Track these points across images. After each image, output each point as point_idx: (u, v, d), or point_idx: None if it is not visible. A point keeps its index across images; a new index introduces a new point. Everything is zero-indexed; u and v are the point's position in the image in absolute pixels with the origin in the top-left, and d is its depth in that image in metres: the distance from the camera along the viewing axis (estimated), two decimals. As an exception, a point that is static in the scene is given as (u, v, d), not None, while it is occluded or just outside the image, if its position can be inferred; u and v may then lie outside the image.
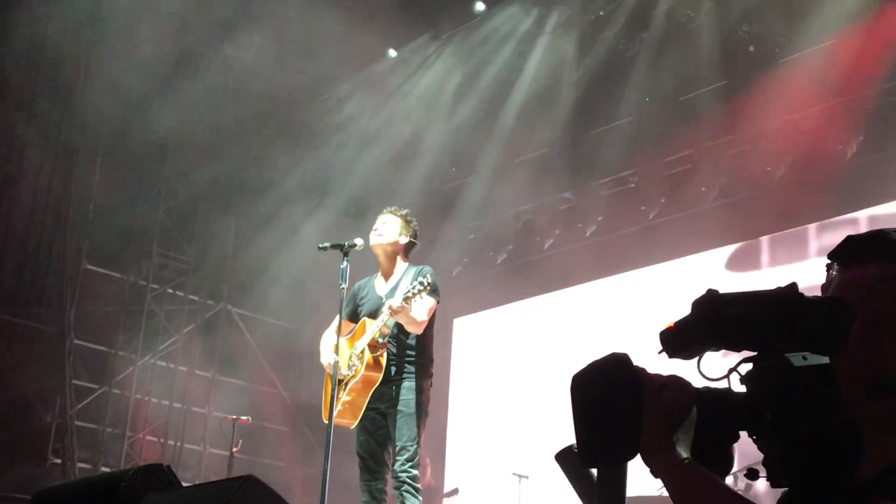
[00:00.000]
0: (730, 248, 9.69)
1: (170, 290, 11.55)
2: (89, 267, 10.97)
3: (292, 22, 10.45)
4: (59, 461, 10.38)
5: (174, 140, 10.97)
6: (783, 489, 1.77)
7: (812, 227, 9.12)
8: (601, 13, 10.05)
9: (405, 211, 6.43)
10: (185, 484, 4.40)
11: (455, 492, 10.33)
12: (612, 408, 1.61)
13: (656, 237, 10.04)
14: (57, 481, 8.58)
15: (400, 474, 6.06)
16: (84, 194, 10.80)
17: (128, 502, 4.09)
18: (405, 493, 6.03)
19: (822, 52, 8.74)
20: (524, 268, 11.12)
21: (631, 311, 9.80)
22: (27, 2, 10.30)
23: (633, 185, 10.34)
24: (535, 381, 10.28)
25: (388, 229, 6.31)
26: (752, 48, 9.40)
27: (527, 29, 10.47)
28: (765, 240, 9.47)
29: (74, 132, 10.73)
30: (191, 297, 11.50)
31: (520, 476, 9.02)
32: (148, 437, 11.02)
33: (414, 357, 6.17)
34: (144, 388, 11.04)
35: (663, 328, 1.70)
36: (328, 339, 6.31)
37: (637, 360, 1.69)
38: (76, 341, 10.72)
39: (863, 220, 8.77)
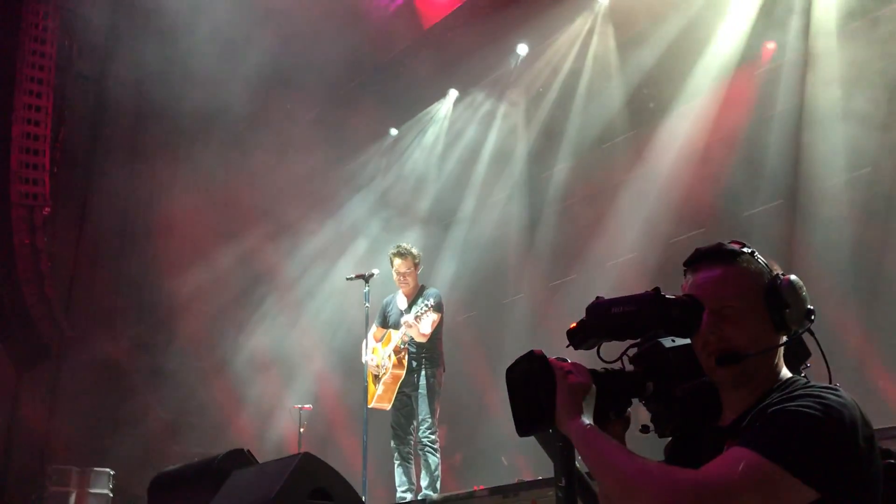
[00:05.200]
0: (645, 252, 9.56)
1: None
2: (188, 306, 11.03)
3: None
4: (178, 448, 10.37)
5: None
6: (668, 438, 1.78)
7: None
8: (540, 89, 10.05)
9: (410, 248, 6.42)
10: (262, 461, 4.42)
11: (467, 452, 10.24)
12: (533, 391, 1.63)
13: (597, 242, 9.91)
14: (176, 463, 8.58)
15: (422, 439, 6.17)
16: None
17: (220, 478, 4.11)
18: (427, 453, 6.13)
19: (701, 103, 8.74)
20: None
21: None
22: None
23: (574, 212, 10.32)
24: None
25: (409, 275, 6.34)
26: (651, 104, 9.39)
27: (487, 109, 10.48)
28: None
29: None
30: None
31: (510, 429, 8.94)
32: (242, 426, 10.99)
33: (427, 353, 6.25)
34: (234, 389, 11.02)
35: (568, 328, 1.71)
36: (367, 344, 6.41)
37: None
38: (183, 360, 10.76)
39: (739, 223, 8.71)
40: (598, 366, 1.72)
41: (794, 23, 8.06)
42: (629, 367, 1.73)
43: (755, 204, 8.50)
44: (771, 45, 8.54)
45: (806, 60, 8.02)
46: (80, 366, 9.83)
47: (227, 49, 9.42)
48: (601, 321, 1.65)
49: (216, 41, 9.35)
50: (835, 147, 7.81)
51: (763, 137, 8.43)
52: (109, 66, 10.76)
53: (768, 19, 8.20)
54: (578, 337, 1.69)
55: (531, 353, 1.66)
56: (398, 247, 6.40)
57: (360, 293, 6.44)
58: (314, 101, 10.46)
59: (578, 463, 1.65)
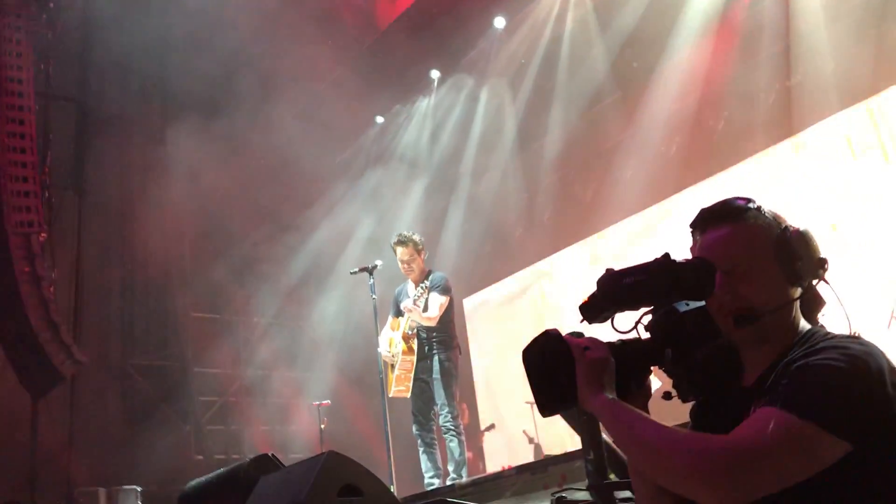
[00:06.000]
0: (646, 211, 9.55)
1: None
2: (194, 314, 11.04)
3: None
4: (201, 457, 10.43)
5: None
6: (691, 402, 1.76)
7: (702, 184, 9.01)
8: (522, 61, 9.98)
9: (412, 235, 6.41)
10: (289, 462, 4.42)
11: (492, 426, 10.29)
12: (553, 371, 1.62)
13: (594, 209, 9.90)
14: (201, 474, 8.61)
15: (444, 423, 6.16)
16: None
17: (248, 486, 4.10)
18: (451, 437, 6.12)
19: (686, 57, 8.67)
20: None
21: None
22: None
23: (570, 179, 10.29)
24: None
25: (414, 262, 6.33)
26: (635, 64, 9.32)
27: (472, 86, 10.41)
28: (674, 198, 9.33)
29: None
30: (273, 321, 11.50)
31: (531, 403, 8.96)
32: (262, 428, 11.04)
33: (438, 336, 6.25)
34: (251, 393, 11.06)
35: (580, 303, 1.70)
36: (383, 335, 6.41)
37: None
38: (196, 369, 10.79)
39: (732, 175, 8.68)
40: (613, 338, 1.71)
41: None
42: (645, 336, 1.72)
43: (754, 150, 8.48)
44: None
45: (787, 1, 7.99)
46: (94, 387, 9.87)
47: (203, 47, 9.35)
48: (613, 293, 1.63)
49: (194, 39, 9.31)
50: (825, 84, 7.78)
51: (753, 83, 8.40)
52: (87, 81, 10.70)
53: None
54: (592, 311, 1.66)
55: (546, 332, 1.64)
56: (399, 235, 6.39)
57: (367, 286, 6.43)
58: (297, 94, 10.38)
59: (604, 433, 1.64)
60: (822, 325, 1.68)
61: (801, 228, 1.64)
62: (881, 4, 7.47)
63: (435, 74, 10.51)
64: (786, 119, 8.19)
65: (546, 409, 1.63)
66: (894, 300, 6.87)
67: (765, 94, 8.37)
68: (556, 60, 9.56)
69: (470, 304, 11.64)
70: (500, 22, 9.69)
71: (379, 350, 6.38)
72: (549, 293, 10.61)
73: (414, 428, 6.33)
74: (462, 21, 9.35)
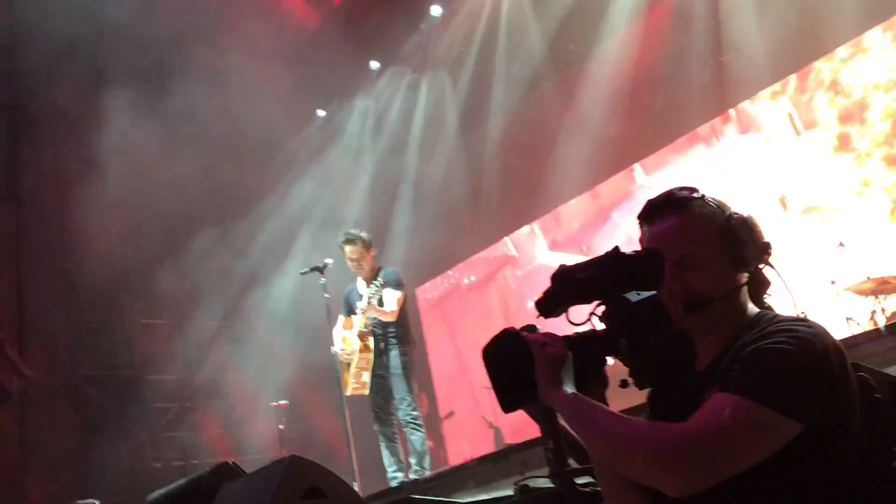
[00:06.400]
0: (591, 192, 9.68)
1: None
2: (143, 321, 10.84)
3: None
4: (159, 465, 10.27)
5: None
6: (647, 389, 1.81)
7: (640, 163, 9.17)
8: (461, 48, 9.98)
9: (360, 233, 6.37)
10: (248, 463, 4.38)
11: (451, 414, 10.34)
12: (512, 368, 1.64)
13: (544, 192, 9.96)
14: (160, 482, 8.49)
15: (404, 417, 6.18)
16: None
17: (209, 495, 4.06)
18: (411, 430, 6.14)
19: (621, 38, 8.78)
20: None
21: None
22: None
23: (515, 164, 10.34)
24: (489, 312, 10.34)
25: (363, 259, 6.29)
26: (572, 47, 9.39)
27: (412, 77, 10.37)
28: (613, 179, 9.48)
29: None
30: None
31: (489, 388, 8.99)
32: (219, 431, 10.90)
33: (395, 331, 6.25)
34: (206, 397, 10.92)
35: (536, 299, 1.72)
36: (335, 334, 6.37)
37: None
38: (148, 377, 10.61)
39: (673, 149, 8.85)
40: (569, 331, 1.74)
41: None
42: (600, 327, 1.75)
43: (691, 126, 8.64)
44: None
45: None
46: (44, 401, 9.62)
47: (136, 41, 9.16)
48: (567, 288, 1.66)
49: (127, 34, 9.11)
50: (755, 61, 7.96)
51: (686, 61, 8.54)
52: (17, 85, 10.38)
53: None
54: (547, 306, 1.70)
55: (505, 330, 1.68)
56: (346, 234, 6.35)
57: (318, 285, 6.39)
58: (235, 92, 10.20)
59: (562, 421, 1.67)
60: (769, 307, 1.73)
61: (745, 215, 1.69)
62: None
63: (374, 66, 10.44)
64: (720, 94, 8.36)
65: (508, 405, 1.66)
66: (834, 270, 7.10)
67: (698, 71, 8.53)
68: (494, 46, 9.58)
69: (422, 292, 11.67)
70: (436, 10, 9.65)
71: (333, 350, 6.35)
72: (500, 278, 10.69)
73: (374, 424, 6.33)
74: (398, 11, 9.30)
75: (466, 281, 11.16)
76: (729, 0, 8.05)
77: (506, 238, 10.64)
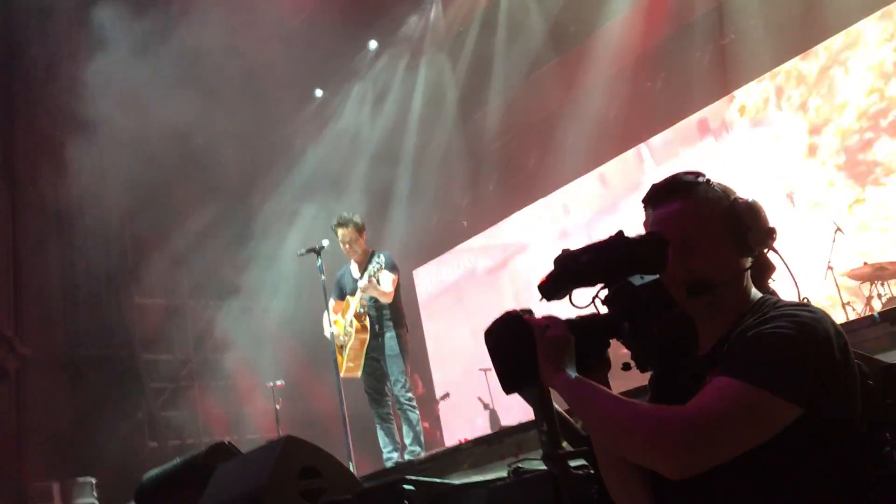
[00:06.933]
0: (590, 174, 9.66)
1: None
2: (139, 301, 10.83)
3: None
4: (155, 444, 10.30)
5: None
6: (649, 372, 1.80)
7: (644, 145, 9.13)
8: (461, 28, 9.92)
9: (351, 216, 6.37)
10: (245, 444, 4.40)
11: (446, 395, 10.36)
12: (515, 350, 1.64)
13: (542, 175, 9.95)
14: (156, 461, 8.51)
15: (399, 398, 6.18)
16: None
17: (206, 475, 4.07)
18: (406, 411, 6.17)
19: (622, 20, 8.73)
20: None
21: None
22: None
23: (514, 147, 10.33)
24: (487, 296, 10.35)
25: (354, 242, 6.30)
26: (572, 28, 9.34)
27: (411, 56, 10.31)
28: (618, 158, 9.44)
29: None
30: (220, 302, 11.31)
31: (484, 370, 9.01)
32: (216, 411, 10.93)
33: (389, 314, 6.26)
34: (202, 377, 10.94)
35: (539, 282, 1.72)
36: (326, 317, 6.36)
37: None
38: (145, 356, 10.61)
39: (676, 131, 8.82)
40: (572, 314, 1.73)
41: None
42: (602, 311, 1.75)
43: (692, 110, 8.61)
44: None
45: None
46: (40, 380, 9.63)
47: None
48: (570, 271, 1.66)
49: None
50: (757, 43, 7.93)
51: (687, 43, 8.51)
52: (16, 64, 10.32)
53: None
54: (550, 289, 1.69)
55: (507, 313, 1.67)
56: (339, 217, 6.36)
57: (315, 266, 6.38)
58: (232, 72, 10.12)
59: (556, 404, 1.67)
60: (773, 291, 1.72)
61: (750, 200, 1.67)
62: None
63: (373, 45, 10.38)
64: (721, 77, 8.33)
65: (509, 387, 1.66)
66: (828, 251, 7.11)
67: (700, 54, 8.49)
68: (493, 27, 9.53)
69: (419, 275, 11.67)
70: (436, -11, 9.65)
71: (326, 333, 6.36)
72: (499, 262, 10.69)
73: (369, 405, 6.36)
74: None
75: (465, 264, 11.16)
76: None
77: (503, 221, 10.63)
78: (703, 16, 8.32)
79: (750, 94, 8.26)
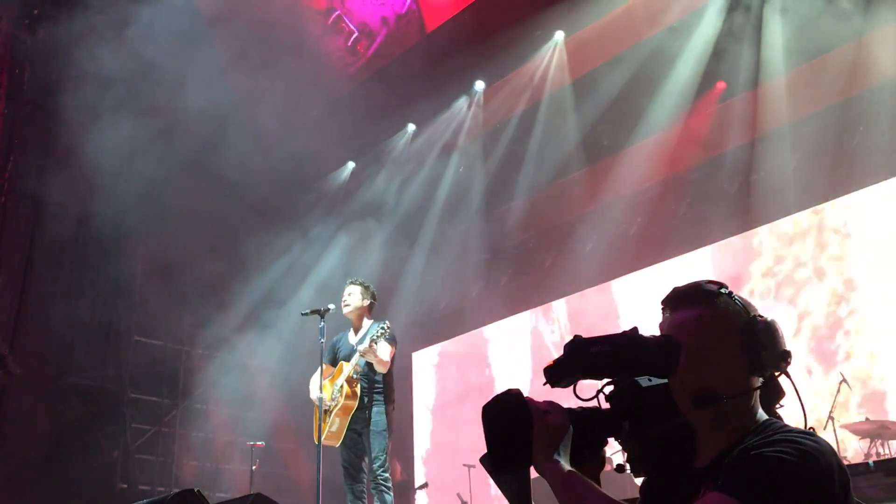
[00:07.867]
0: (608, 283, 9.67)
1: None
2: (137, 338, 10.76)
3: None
4: (125, 486, 10.07)
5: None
6: (643, 478, 1.76)
7: (660, 265, 9.15)
8: (497, 125, 10.12)
9: (363, 279, 6.41)
10: (214, 501, 4.29)
11: (425, 485, 10.13)
12: (511, 430, 1.60)
13: (555, 277, 9.99)
14: (124, 502, 8.31)
15: (376, 477, 6.04)
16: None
17: (171, 521, 3.96)
18: (381, 491, 6.02)
19: (656, 140, 8.89)
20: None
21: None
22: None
23: (531, 245, 10.39)
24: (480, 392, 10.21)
25: (354, 299, 6.31)
26: (606, 142, 9.51)
27: (445, 143, 10.48)
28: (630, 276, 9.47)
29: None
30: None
31: (468, 466, 8.84)
32: (192, 462, 10.72)
33: (380, 389, 6.16)
34: (185, 426, 10.77)
35: (545, 366, 1.69)
36: (315, 380, 6.26)
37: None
38: (132, 395, 10.48)
39: (696, 259, 8.85)
40: (574, 404, 1.71)
41: (745, 62, 8.28)
42: (605, 406, 1.72)
43: (711, 240, 8.66)
44: (722, 85, 8.76)
45: (756, 98, 8.26)
46: (26, 401, 9.50)
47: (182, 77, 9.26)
48: (579, 360, 1.63)
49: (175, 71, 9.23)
50: (784, 183, 8.04)
51: (716, 173, 8.63)
52: (62, 89, 10.50)
53: (719, 59, 8.41)
54: (556, 375, 1.66)
55: (508, 391, 1.63)
56: (353, 278, 6.44)
57: (315, 328, 6.34)
58: (270, 132, 10.28)
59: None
60: (779, 416, 1.69)
61: (769, 319, 1.66)
62: (841, 114, 7.78)
63: (411, 128, 10.59)
64: (745, 211, 8.41)
65: (498, 466, 1.62)
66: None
67: (727, 185, 8.60)
68: (530, 128, 9.71)
69: (418, 359, 11.58)
70: (479, 85, 9.87)
71: (312, 396, 6.24)
72: (498, 357, 10.62)
73: (344, 480, 6.20)
74: (442, 80, 9.44)
75: (466, 357, 11.07)
76: (767, 119, 8.16)
77: (511, 317, 10.61)
78: (736, 147, 8.46)
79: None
